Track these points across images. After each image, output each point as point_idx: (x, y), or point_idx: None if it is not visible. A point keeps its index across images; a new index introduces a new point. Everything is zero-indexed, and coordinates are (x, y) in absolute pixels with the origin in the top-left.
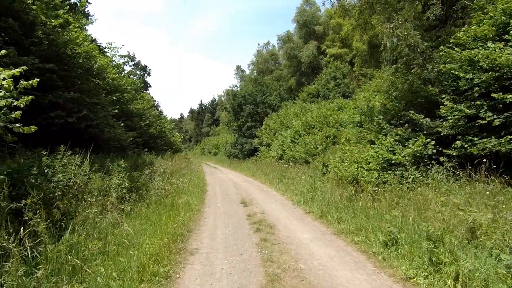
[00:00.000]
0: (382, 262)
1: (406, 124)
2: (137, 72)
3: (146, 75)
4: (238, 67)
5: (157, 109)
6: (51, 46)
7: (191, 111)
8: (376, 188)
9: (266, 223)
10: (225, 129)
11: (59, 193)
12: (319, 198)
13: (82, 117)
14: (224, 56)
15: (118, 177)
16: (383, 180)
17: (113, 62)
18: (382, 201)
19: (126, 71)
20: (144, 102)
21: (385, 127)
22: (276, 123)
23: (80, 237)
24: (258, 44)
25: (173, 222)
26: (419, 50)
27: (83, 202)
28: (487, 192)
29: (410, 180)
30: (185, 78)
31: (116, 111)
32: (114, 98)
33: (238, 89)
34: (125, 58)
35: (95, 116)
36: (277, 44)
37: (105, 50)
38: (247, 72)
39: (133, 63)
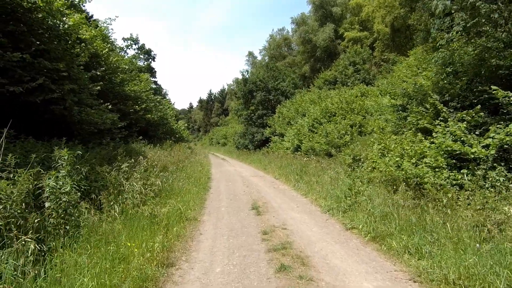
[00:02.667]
0: None
1: (479, 106)
2: (141, 56)
3: (150, 60)
4: (250, 53)
5: (165, 97)
6: None
7: (200, 101)
8: (450, 195)
9: (293, 252)
10: (235, 119)
11: None
12: (364, 207)
13: (38, 88)
14: (236, 46)
15: (56, 177)
16: (452, 181)
17: (110, 38)
18: (467, 216)
19: (129, 55)
20: (142, 83)
21: (443, 110)
22: (290, 110)
23: None
24: (273, 29)
25: (145, 250)
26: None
27: None
28: None
29: (499, 184)
30: (195, 68)
31: (99, 88)
32: (98, 73)
33: (249, 75)
34: (128, 41)
35: (59, 89)
36: (291, 26)
37: (80, 5)
38: (259, 58)
39: (136, 46)
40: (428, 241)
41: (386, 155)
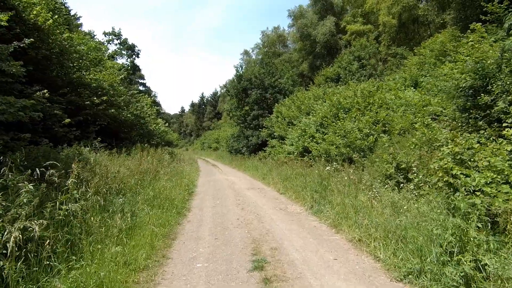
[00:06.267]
0: None
1: None
2: (123, 52)
3: (134, 56)
4: (246, 52)
5: (156, 103)
6: None
7: (192, 105)
8: None
9: None
10: (227, 122)
11: None
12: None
13: None
14: (229, 49)
15: None
16: None
17: (61, 9)
18: None
19: (110, 51)
20: (106, 71)
21: None
22: (291, 109)
23: None
24: (267, 27)
25: None
26: None
27: None
28: None
29: None
30: (187, 72)
31: (23, 69)
32: (22, 45)
33: (243, 71)
34: (109, 36)
35: None
36: (288, 20)
37: None
38: (254, 57)
39: (118, 41)
40: None
41: (469, 163)
